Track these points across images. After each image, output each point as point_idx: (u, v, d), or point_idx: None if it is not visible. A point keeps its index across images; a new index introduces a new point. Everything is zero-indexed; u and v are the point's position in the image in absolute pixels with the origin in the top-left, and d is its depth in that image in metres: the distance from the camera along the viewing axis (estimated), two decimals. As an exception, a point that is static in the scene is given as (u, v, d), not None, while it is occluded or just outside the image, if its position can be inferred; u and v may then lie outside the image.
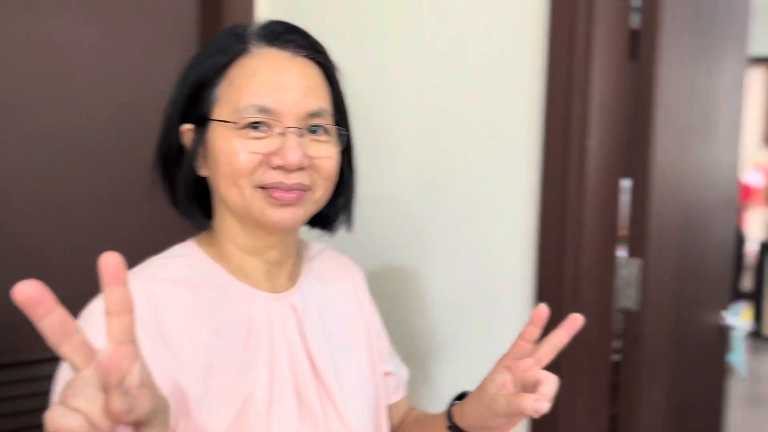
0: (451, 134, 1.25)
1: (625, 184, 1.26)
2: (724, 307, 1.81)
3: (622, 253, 1.27)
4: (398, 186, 1.32)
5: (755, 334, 5.44)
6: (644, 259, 1.25)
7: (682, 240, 1.44)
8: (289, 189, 0.74)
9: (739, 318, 4.69)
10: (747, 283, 5.68)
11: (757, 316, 5.47)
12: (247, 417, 0.72)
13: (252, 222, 0.77)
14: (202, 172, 0.79)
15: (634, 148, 1.24)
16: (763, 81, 6.01)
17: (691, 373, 1.60)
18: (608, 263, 1.20)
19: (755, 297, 5.50)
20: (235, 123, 0.73)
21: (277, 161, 0.73)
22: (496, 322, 1.23)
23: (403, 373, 1.01)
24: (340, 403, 0.81)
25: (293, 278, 0.85)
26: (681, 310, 1.47)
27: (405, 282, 1.33)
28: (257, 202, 0.74)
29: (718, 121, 1.61)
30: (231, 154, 0.73)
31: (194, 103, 0.77)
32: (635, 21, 1.20)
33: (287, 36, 0.78)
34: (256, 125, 0.73)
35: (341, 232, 0.92)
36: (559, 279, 1.14)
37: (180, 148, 0.80)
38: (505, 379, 0.78)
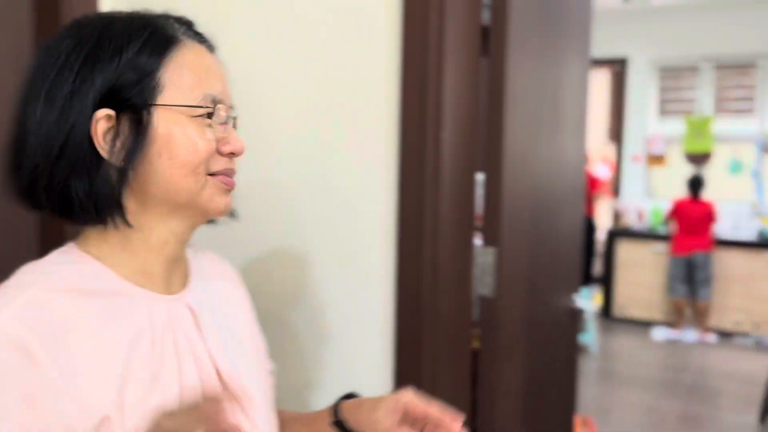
0: (319, 129, 1.25)
1: (480, 176, 1.30)
2: (575, 290, 1.93)
3: (480, 241, 1.31)
4: (275, 179, 1.30)
5: (606, 315, 5.92)
6: (499, 248, 1.30)
7: (534, 228, 1.52)
8: (232, 175, 0.78)
9: (591, 300, 5.08)
10: (598, 268, 6.16)
11: (607, 299, 5.95)
12: None
13: (191, 212, 0.76)
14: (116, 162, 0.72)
15: (486, 143, 1.28)
16: (608, 81, 6.54)
17: (545, 354, 1.70)
18: (465, 252, 1.24)
19: (605, 281, 5.98)
20: (198, 109, 0.73)
21: (227, 148, 0.76)
22: (362, 314, 1.23)
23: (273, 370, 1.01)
24: (245, 404, 0.80)
25: (184, 278, 0.83)
26: (534, 295, 1.55)
27: (280, 274, 1.31)
28: (209, 189, 0.74)
29: (565, 116, 1.71)
30: (194, 141, 0.72)
31: (122, 89, 0.70)
32: (486, 17, 1.24)
33: (201, 32, 0.80)
34: (211, 114, 0.75)
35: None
36: (418, 268, 1.16)
37: (89, 141, 0.70)
38: (397, 409, 0.81)
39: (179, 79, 0.72)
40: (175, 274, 0.80)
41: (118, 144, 0.70)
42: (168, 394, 0.71)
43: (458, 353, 1.24)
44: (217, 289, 0.89)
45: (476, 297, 1.32)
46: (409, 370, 1.18)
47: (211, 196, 0.75)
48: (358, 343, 1.25)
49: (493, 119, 1.27)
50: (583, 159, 1.92)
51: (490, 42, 1.24)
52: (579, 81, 1.81)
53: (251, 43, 1.30)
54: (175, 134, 0.71)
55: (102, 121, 0.70)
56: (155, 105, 0.71)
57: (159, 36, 0.73)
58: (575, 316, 1.92)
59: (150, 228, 0.75)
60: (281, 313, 1.31)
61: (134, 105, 0.70)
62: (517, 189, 1.39)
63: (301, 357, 1.29)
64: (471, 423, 1.30)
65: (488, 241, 1.31)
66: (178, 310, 0.77)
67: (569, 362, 1.93)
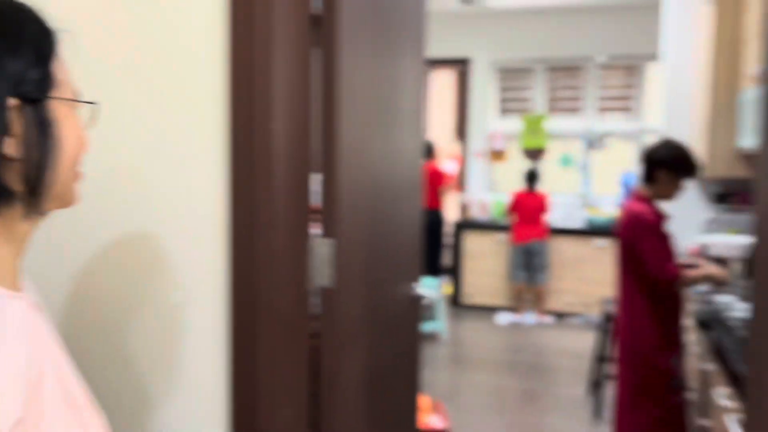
0: (144, 123, 1.20)
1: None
2: (415, 279, 2.00)
3: (319, 231, 1.31)
4: (98, 176, 1.21)
5: (455, 303, 6.21)
6: (337, 239, 1.31)
7: (372, 220, 1.55)
8: None
9: (441, 290, 5.30)
10: (448, 259, 6.44)
11: (456, 287, 6.24)
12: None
13: (57, 203, 0.77)
14: (13, 154, 0.69)
15: (321, 134, 1.28)
16: (454, 80, 6.84)
17: (388, 342, 1.74)
18: (302, 243, 1.23)
19: (453, 271, 6.27)
20: (79, 103, 0.76)
21: None
22: (195, 311, 1.19)
23: None
24: (92, 403, 0.82)
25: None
26: (374, 285, 1.59)
27: (107, 275, 1.22)
28: (77, 181, 0.78)
29: (402, 112, 1.76)
30: (81, 134, 0.76)
31: (25, 82, 0.69)
32: (317, 7, 1.24)
33: None
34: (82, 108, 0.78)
35: None
36: (252, 260, 1.13)
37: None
38: None
39: (61, 73, 0.74)
40: (18, 272, 0.78)
41: (29, 137, 0.69)
42: (53, 391, 0.72)
43: (296, 344, 1.23)
44: (33, 287, 0.86)
45: (316, 288, 1.32)
46: (245, 365, 1.15)
47: (75, 188, 0.78)
48: (193, 343, 1.20)
49: (328, 109, 1.27)
50: (420, 153, 1.98)
51: (321, 31, 1.24)
52: (415, 78, 1.87)
53: (72, 36, 1.21)
54: (66, 127, 0.74)
55: (12, 112, 0.69)
56: (52, 98, 0.72)
57: (51, 30, 0.74)
58: (416, 304, 1.99)
59: (22, 223, 0.74)
60: (109, 315, 1.23)
61: (36, 98, 0.70)
62: (354, 183, 1.40)
63: (132, 361, 1.22)
64: (312, 417, 1.30)
65: (327, 233, 1.31)
66: (30, 308, 0.76)
67: (413, 348, 1.99)
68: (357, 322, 1.48)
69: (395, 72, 1.68)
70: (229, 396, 1.17)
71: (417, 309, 2.01)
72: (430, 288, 5.00)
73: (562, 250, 5.86)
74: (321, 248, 1.29)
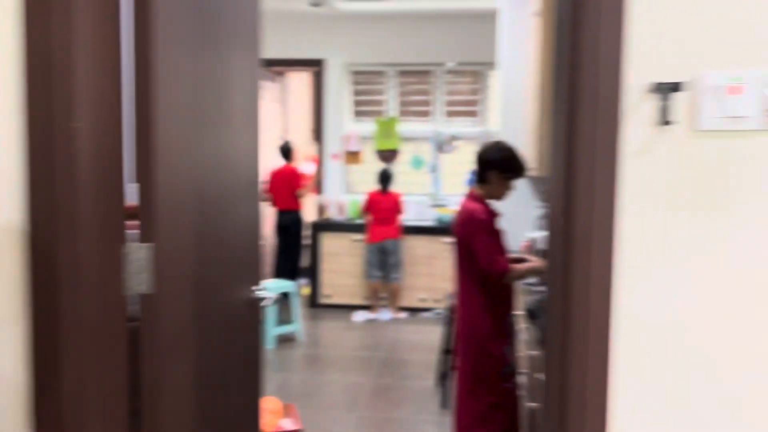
0: None
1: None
2: (255, 282, 1.98)
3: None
4: None
5: (312, 304, 6.21)
6: (156, 244, 1.27)
7: (200, 224, 1.51)
8: None
9: (299, 291, 5.28)
10: (306, 260, 6.43)
11: (314, 288, 6.25)
12: None
13: None
14: None
15: (136, 134, 1.23)
16: (309, 82, 6.85)
17: (224, 347, 1.70)
18: (114, 249, 1.18)
19: (311, 271, 6.27)
20: None
21: None
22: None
23: None
24: None
25: None
26: (205, 289, 1.55)
27: None
28: None
29: (234, 113, 1.73)
30: None
31: None
32: None
33: None
34: None
35: None
36: (53, 268, 1.07)
37: None
38: None
39: None
40: None
41: None
42: None
43: (111, 355, 1.17)
44: None
45: (135, 295, 1.27)
46: (48, 379, 1.08)
47: None
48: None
49: (141, 109, 1.22)
50: (257, 153, 1.97)
51: (135, 23, 1.19)
52: (249, 78, 1.85)
53: None
54: None
55: None
56: None
57: None
58: (256, 307, 1.96)
59: None
60: None
61: None
62: (177, 183, 1.36)
63: None
64: (132, 429, 1.24)
65: (144, 237, 1.26)
66: None
67: (253, 352, 1.97)
68: (184, 328, 1.43)
69: (224, 71, 1.65)
70: (30, 411, 1.09)
71: (257, 312, 1.99)
72: (287, 289, 4.96)
73: (414, 247, 6.06)
74: (138, 253, 1.24)
